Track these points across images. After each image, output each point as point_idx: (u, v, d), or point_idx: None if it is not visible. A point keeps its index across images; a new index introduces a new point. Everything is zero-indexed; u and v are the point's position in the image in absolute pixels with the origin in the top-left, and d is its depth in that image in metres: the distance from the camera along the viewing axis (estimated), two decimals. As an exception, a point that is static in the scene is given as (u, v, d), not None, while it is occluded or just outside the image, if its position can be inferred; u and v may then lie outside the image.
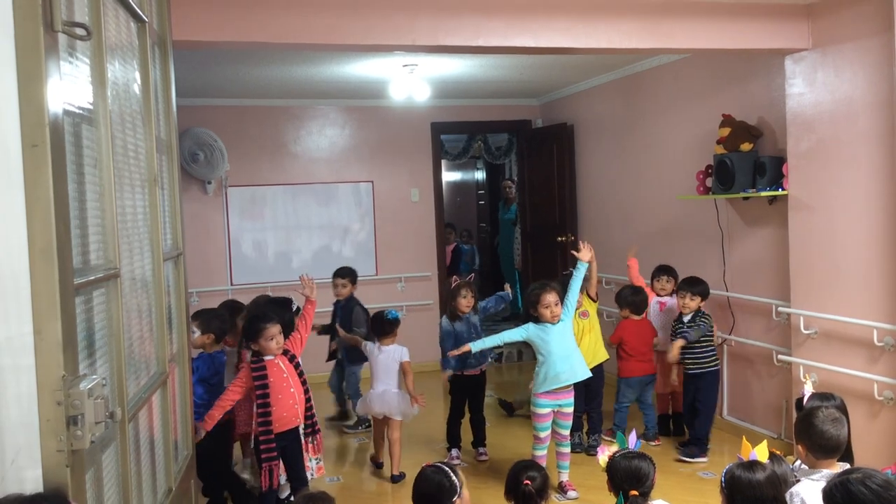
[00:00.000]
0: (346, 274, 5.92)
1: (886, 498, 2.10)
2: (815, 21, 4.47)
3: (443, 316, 5.33)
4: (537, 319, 4.54)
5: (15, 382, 1.69)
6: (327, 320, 5.96)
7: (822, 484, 2.33)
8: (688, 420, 5.26)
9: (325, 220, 7.65)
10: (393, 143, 7.79)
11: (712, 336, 5.12)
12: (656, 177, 6.25)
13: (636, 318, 5.36)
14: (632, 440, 2.98)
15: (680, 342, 4.98)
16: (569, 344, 4.56)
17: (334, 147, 7.68)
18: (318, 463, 4.47)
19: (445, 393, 5.44)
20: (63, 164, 1.78)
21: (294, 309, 4.69)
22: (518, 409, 6.11)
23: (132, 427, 2.38)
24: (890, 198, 4.06)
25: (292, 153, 7.55)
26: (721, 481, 2.60)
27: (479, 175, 12.35)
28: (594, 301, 5.28)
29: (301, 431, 4.17)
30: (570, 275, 4.67)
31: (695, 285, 5.08)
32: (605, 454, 2.93)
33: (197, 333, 4.23)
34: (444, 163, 9.05)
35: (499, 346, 4.73)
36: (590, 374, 4.70)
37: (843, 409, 3.05)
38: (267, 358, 4.04)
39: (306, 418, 4.17)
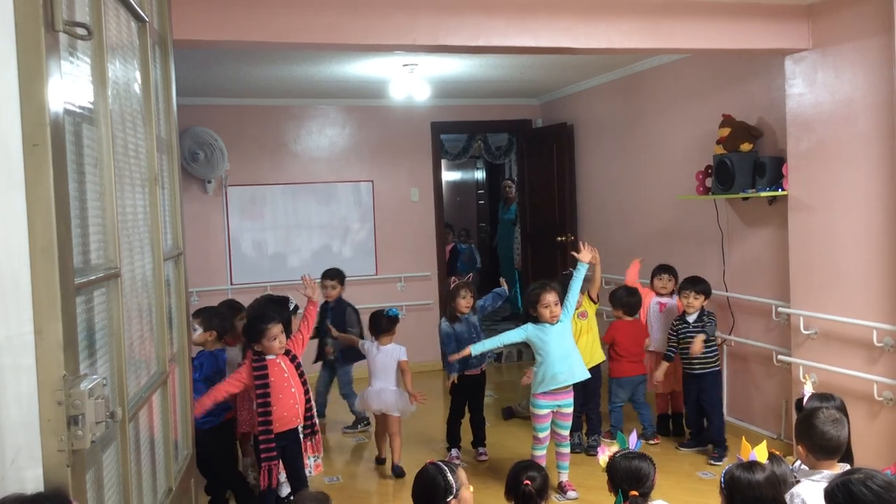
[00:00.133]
0: (335, 275, 5.93)
1: (887, 499, 2.11)
2: (815, 21, 4.47)
3: (442, 318, 5.32)
4: (536, 319, 4.55)
5: (15, 382, 1.69)
6: None
7: (823, 485, 2.33)
8: (690, 420, 5.26)
9: (325, 220, 7.65)
10: (393, 142, 7.79)
11: (715, 336, 5.14)
12: (656, 177, 6.25)
13: (628, 318, 5.37)
14: (632, 440, 2.98)
15: (702, 337, 4.98)
16: (568, 345, 4.56)
17: (334, 146, 7.68)
18: (315, 461, 4.49)
19: (445, 393, 5.45)
20: (64, 164, 1.78)
21: (292, 307, 4.70)
22: (518, 413, 6.10)
23: (132, 427, 2.38)
24: (890, 198, 4.07)
25: (292, 152, 7.55)
26: (720, 482, 2.60)
27: (479, 175, 12.36)
28: (595, 303, 5.28)
29: (300, 432, 4.18)
30: (570, 275, 4.67)
31: (698, 284, 5.09)
32: (605, 454, 2.93)
33: (199, 331, 4.24)
34: (443, 162, 9.05)
35: (498, 347, 4.76)
36: (588, 375, 4.70)
37: (842, 410, 3.05)
38: (269, 357, 4.04)
39: (305, 419, 4.17)
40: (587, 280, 4.79)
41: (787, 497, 2.57)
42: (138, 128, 2.70)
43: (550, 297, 4.49)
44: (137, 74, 2.73)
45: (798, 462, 2.90)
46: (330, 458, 5.37)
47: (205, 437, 4.08)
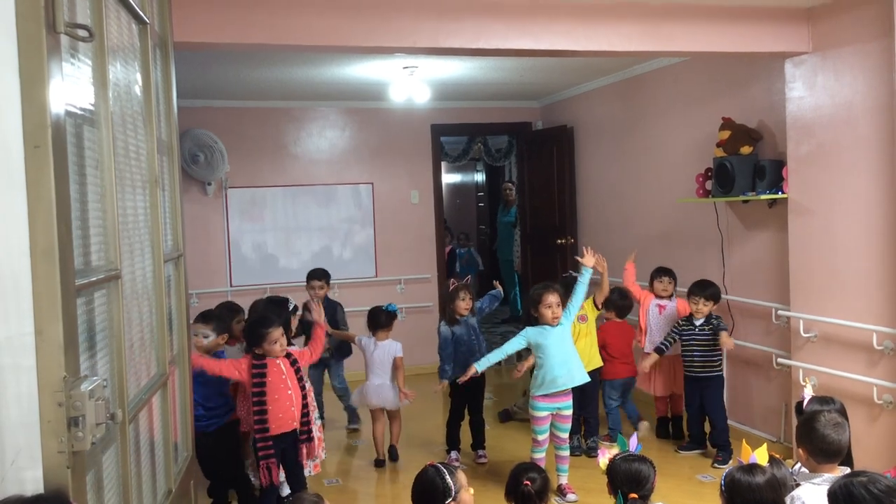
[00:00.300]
0: (322, 275, 5.98)
1: (886, 503, 2.11)
2: (815, 25, 4.48)
3: (441, 322, 5.33)
4: (537, 320, 4.54)
5: (15, 383, 1.69)
6: None
7: (824, 488, 2.34)
8: (691, 423, 5.25)
9: (325, 222, 7.65)
10: (393, 144, 7.79)
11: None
12: (656, 179, 6.25)
13: (618, 320, 5.42)
14: (632, 443, 2.98)
15: (726, 333, 4.97)
16: (567, 349, 4.56)
17: (334, 149, 7.69)
18: (314, 462, 4.51)
19: (445, 395, 5.45)
20: (65, 166, 1.78)
21: (291, 308, 4.71)
22: (515, 415, 6.09)
23: (132, 428, 2.38)
24: (889, 202, 4.07)
25: (292, 155, 7.55)
26: (721, 484, 2.60)
27: (479, 177, 12.37)
28: (598, 309, 5.28)
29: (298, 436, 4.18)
30: (571, 277, 4.68)
31: (707, 289, 5.07)
32: (605, 457, 2.93)
33: (211, 337, 4.22)
34: (443, 165, 9.06)
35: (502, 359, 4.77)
36: (588, 379, 4.69)
37: (842, 413, 3.05)
38: (269, 357, 4.05)
39: (303, 423, 4.16)
40: (594, 285, 4.80)
41: (788, 500, 2.57)
42: (139, 130, 2.71)
43: (553, 298, 4.49)
44: (138, 76, 2.73)
45: (798, 465, 2.90)
46: (329, 459, 5.37)
47: (208, 439, 4.08)
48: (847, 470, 2.70)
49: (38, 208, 1.67)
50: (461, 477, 2.90)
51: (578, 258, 4.68)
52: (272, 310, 4.53)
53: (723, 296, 5.40)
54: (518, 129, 8.44)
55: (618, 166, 6.84)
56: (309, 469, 4.43)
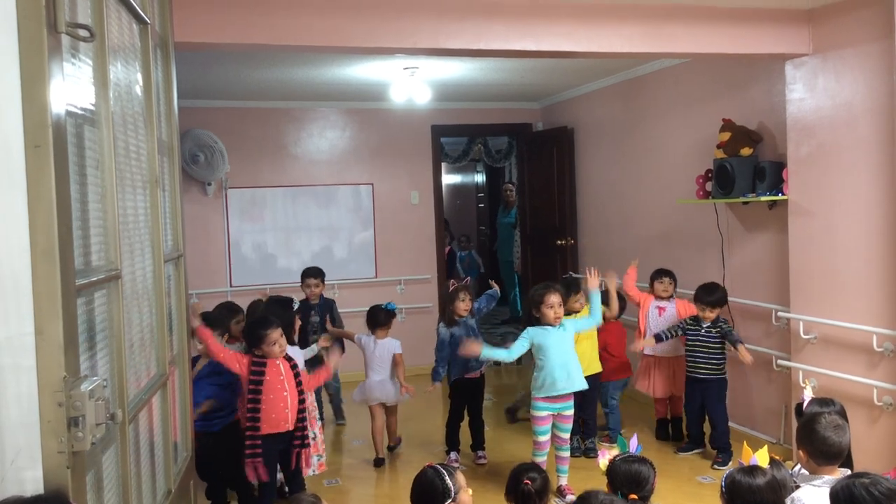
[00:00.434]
0: (318, 273, 6.00)
1: (885, 506, 2.11)
2: (815, 26, 4.48)
3: (440, 323, 5.33)
4: (537, 321, 4.54)
5: (15, 383, 1.69)
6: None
7: (824, 490, 2.34)
8: (690, 424, 5.25)
9: (325, 223, 7.65)
10: (393, 145, 7.79)
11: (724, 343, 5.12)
12: (656, 181, 6.25)
13: (614, 321, 5.43)
14: (633, 444, 2.98)
15: (744, 348, 4.94)
16: (568, 352, 4.55)
17: (334, 149, 7.69)
18: (319, 460, 4.53)
19: (444, 396, 5.45)
20: (65, 165, 1.78)
21: (294, 308, 4.73)
22: (519, 411, 6.09)
23: (132, 429, 2.38)
24: (890, 204, 4.07)
25: (292, 155, 7.55)
26: (721, 486, 2.60)
27: (479, 178, 12.37)
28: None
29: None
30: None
31: (713, 293, 5.03)
32: (605, 458, 2.92)
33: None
34: (444, 165, 9.05)
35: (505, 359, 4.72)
36: (586, 386, 4.68)
37: (842, 415, 3.05)
38: (269, 358, 4.05)
39: (298, 428, 4.13)
40: (605, 295, 4.84)
41: (788, 502, 2.57)
42: (139, 130, 2.71)
43: (555, 298, 4.50)
44: (139, 76, 2.73)
45: (798, 467, 2.90)
46: (328, 459, 5.36)
47: (209, 439, 4.07)
48: (847, 472, 2.69)
49: (39, 208, 1.67)
50: (460, 478, 2.90)
51: (583, 283, 4.69)
52: (276, 309, 4.52)
53: (723, 297, 5.41)
54: (518, 130, 8.44)
55: (618, 167, 6.84)
56: (314, 468, 4.45)
